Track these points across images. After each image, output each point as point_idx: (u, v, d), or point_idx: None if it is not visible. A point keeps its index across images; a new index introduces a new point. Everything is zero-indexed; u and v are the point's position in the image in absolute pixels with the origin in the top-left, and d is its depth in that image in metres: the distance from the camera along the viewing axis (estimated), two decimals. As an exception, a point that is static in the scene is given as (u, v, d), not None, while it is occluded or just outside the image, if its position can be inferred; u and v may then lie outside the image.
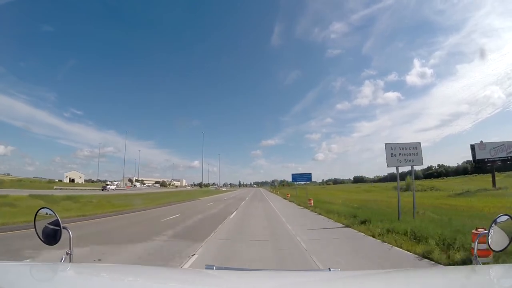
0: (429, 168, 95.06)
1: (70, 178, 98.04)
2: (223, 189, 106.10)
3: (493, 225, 1.53)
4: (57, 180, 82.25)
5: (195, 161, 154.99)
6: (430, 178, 78.28)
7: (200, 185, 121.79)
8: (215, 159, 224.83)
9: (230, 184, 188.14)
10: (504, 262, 4.23)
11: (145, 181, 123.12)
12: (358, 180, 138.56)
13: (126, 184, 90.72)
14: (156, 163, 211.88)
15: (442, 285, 1.27)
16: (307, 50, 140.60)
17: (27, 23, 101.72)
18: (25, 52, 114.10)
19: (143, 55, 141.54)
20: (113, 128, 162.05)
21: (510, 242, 1.47)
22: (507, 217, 1.52)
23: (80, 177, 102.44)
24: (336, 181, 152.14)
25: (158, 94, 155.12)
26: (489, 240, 1.51)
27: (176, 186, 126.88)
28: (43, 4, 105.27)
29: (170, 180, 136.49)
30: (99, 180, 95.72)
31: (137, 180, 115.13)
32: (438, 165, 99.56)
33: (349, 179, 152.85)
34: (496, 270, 1.53)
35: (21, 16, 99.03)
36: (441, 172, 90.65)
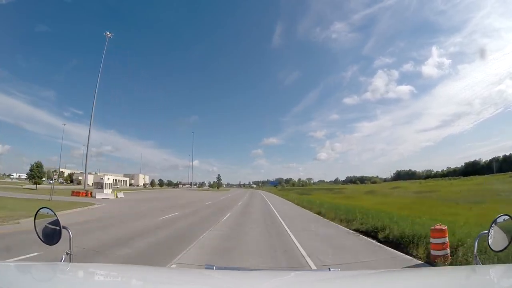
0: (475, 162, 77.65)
1: None
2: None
3: (493, 225, 1.53)
4: None
5: (194, 160, 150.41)
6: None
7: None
8: (216, 158, 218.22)
9: (207, 182, 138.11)
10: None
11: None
12: (405, 176, 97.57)
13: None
14: (155, 163, 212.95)
15: (442, 285, 1.27)
16: (308, 49, 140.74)
17: (27, 23, 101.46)
18: (24, 52, 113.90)
19: (143, 55, 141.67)
20: (113, 128, 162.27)
21: (510, 242, 1.46)
22: (507, 217, 1.51)
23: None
24: (361, 180, 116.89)
25: (158, 93, 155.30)
26: (489, 240, 1.51)
27: (78, 183, 68.45)
28: (42, 4, 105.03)
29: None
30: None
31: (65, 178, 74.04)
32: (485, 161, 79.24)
33: (376, 176, 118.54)
34: (496, 270, 1.53)
35: (21, 16, 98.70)
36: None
